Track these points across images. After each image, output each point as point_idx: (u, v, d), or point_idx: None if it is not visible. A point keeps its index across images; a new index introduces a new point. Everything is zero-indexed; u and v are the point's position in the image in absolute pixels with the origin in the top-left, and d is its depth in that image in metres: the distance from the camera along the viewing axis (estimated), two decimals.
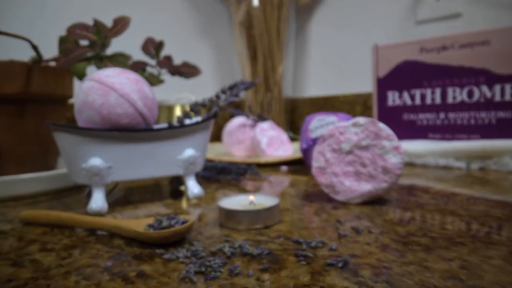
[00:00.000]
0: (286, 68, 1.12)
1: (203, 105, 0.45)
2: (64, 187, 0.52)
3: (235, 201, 0.35)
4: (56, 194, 0.50)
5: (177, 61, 0.72)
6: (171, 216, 0.30)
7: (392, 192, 0.44)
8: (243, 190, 0.48)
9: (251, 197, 0.34)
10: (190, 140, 0.44)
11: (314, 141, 0.54)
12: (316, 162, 0.40)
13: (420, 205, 0.37)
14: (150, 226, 0.29)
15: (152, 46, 0.69)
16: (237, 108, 1.17)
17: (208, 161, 0.73)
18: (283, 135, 0.74)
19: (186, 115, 0.46)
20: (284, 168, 0.64)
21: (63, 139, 0.39)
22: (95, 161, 0.38)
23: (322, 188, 0.40)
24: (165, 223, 0.28)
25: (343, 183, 0.39)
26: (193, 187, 0.43)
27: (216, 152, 0.84)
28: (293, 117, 1.19)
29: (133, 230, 0.29)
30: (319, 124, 0.55)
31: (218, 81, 1.21)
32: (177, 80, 1.06)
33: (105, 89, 0.39)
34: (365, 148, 0.38)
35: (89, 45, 0.50)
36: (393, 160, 0.37)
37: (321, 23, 1.13)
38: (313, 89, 1.16)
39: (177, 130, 0.42)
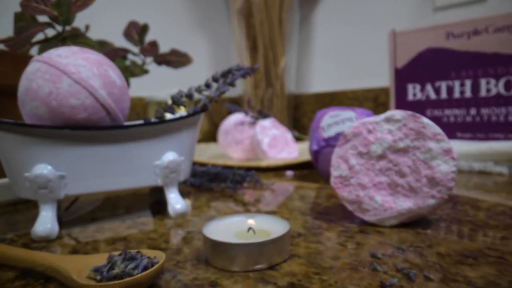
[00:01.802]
0: (289, 61, 1.02)
1: (189, 96, 0.36)
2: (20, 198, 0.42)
3: (227, 226, 0.25)
4: (9, 207, 0.40)
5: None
6: (131, 254, 0.20)
7: None
8: (240, 203, 0.38)
9: (250, 221, 0.25)
10: (172, 140, 0.34)
11: (328, 141, 0.45)
12: (337, 170, 0.30)
13: (480, 227, 0.28)
14: (97, 270, 0.19)
15: (135, 31, 0.59)
16: (235, 104, 1.07)
17: (199, 165, 0.63)
18: (287, 134, 0.64)
19: (167, 108, 0.36)
20: (289, 173, 0.54)
21: (1, 140, 0.29)
22: (42, 169, 0.29)
23: (344, 204, 0.30)
24: (118, 268, 0.19)
25: (373, 198, 0.29)
26: (175, 202, 0.33)
27: (209, 154, 0.74)
28: (296, 115, 1.09)
29: (71, 278, 0.19)
30: (333, 121, 0.45)
31: None
32: (169, 74, 0.96)
33: (55, 72, 0.29)
34: (404, 151, 0.28)
35: (49, 22, 0.40)
36: (443, 168, 0.27)
37: (327, 12, 1.03)
38: (318, 84, 1.06)
39: (154, 128, 0.32)
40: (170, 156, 0.33)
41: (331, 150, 0.44)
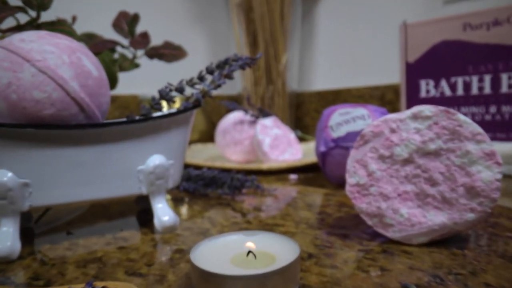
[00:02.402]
0: (290, 58, 0.98)
1: (179, 90, 0.31)
2: None
3: (221, 248, 0.20)
4: None
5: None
6: None
7: None
8: (239, 212, 0.33)
9: (249, 244, 0.20)
10: (159, 141, 0.29)
11: (337, 142, 0.40)
12: (353, 176, 0.26)
13: None
14: None
15: (125, 22, 0.54)
16: (233, 101, 1.02)
17: (194, 168, 0.58)
18: (290, 134, 0.59)
19: (154, 104, 0.31)
20: (293, 177, 0.49)
21: None
22: (1, 176, 0.24)
23: (363, 217, 0.25)
24: None
25: (397, 211, 0.24)
26: (162, 213, 0.29)
27: (206, 155, 0.69)
28: (298, 114, 1.04)
29: None
30: (343, 119, 0.41)
31: None
32: (165, 71, 0.92)
33: (15, 59, 0.24)
34: (435, 154, 0.23)
35: (21, 6, 0.35)
36: (486, 175, 0.22)
37: (331, 5, 0.98)
38: (321, 81, 1.02)
39: (138, 127, 0.28)
40: (156, 160, 0.28)
41: (341, 151, 0.40)
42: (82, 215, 0.35)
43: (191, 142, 0.78)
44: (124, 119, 0.28)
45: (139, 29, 0.56)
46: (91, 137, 0.26)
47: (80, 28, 0.56)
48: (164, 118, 0.29)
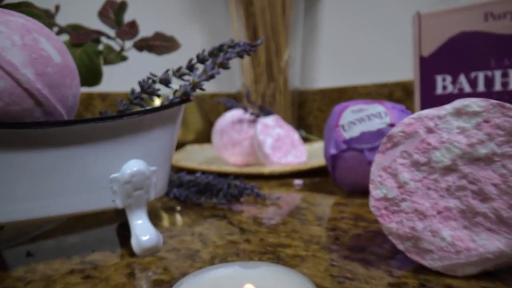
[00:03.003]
0: (293, 53, 0.92)
1: (164, 82, 0.26)
2: None
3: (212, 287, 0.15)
4: None
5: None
6: None
7: None
8: (237, 227, 0.28)
9: (248, 286, 0.14)
10: (138, 143, 0.24)
11: (350, 143, 0.34)
12: (379, 188, 0.20)
13: None
14: None
15: (112, 10, 0.49)
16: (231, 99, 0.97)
17: (187, 172, 0.53)
18: (293, 134, 0.54)
19: (134, 99, 0.26)
20: (297, 182, 0.44)
21: None
22: None
23: (392, 240, 0.20)
24: None
25: (438, 233, 0.19)
26: (141, 231, 0.23)
27: (202, 157, 0.64)
28: (300, 113, 0.99)
29: None
30: (356, 117, 0.35)
31: None
32: (160, 67, 0.87)
33: None
34: (486, 161, 0.18)
35: None
36: None
37: None
38: (325, 78, 0.96)
39: (111, 126, 0.22)
40: (134, 166, 0.23)
41: (354, 154, 0.34)
42: (54, 228, 0.30)
43: (187, 142, 0.73)
44: (95, 117, 0.23)
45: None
46: (50, 138, 0.21)
47: (65, 19, 0.51)
48: (144, 115, 0.24)
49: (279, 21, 0.87)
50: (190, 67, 0.27)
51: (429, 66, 0.55)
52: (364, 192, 0.37)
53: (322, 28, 0.96)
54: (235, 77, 1.03)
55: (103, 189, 0.23)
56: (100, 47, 0.47)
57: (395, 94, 0.82)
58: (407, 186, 0.20)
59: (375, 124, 0.34)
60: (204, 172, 0.52)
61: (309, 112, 0.97)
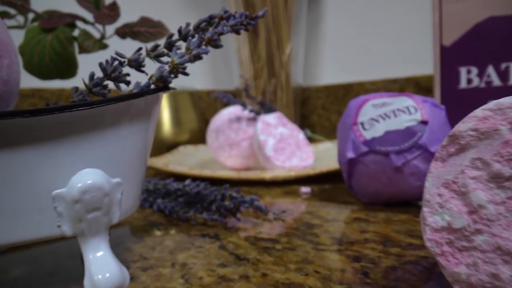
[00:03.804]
0: (295, 47, 0.86)
1: (134, 64, 0.19)
2: None
3: None
4: None
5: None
6: None
7: None
8: (232, 253, 0.22)
9: None
10: (93, 145, 0.17)
11: (372, 145, 0.28)
12: (439, 213, 0.14)
13: None
14: None
15: None
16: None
17: (175, 178, 0.47)
18: (298, 134, 0.47)
19: (93, 86, 0.19)
20: (305, 190, 0.37)
21: None
22: None
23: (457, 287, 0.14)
24: None
25: None
26: (97, 268, 0.17)
27: (196, 160, 0.57)
28: (303, 111, 0.93)
29: None
30: (379, 113, 0.29)
31: (207, 64, 0.95)
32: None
33: None
34: None
35: None
36: None
37: None
38: (329, 74, 0.90)
39: (55, 121, 0.16)
40: (86, 178, 0.17)
41: (377, 158, 0.28)
42: None
43: (180, 143, 0.66)
44: (28, 109, 0.16)
45: (123, 16, 0.44)
46: None
47: (43, 5, 0.45)
48: (104, 106, 0.17)
49: (280, 12, 0.81)
50: (169, 45, 0.20)
51: (451, 57, 0.49)
52: (386, 204, 0.31)
53: (327, 20, 0.89)
54: (233, 72, 0.96)
55: (43, 211, 0.16)
56: (76, 33, 0.40)
57: (406, 90, 0.76)
58: (483, 211, 0.13)
59: (402, 121, 0.28)
60: (195, 179, 0.45)
61: (312, 111, 0.91)
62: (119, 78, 0.19)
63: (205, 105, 0.91)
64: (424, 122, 0.27)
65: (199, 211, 0.30)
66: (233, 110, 0.49)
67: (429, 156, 0.27)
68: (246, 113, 0.48)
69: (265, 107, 0.48)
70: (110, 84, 0.20)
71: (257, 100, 0.48)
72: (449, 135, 0.14)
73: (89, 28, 0.40)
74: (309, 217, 0.29)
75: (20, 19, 0.45)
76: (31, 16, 0.43)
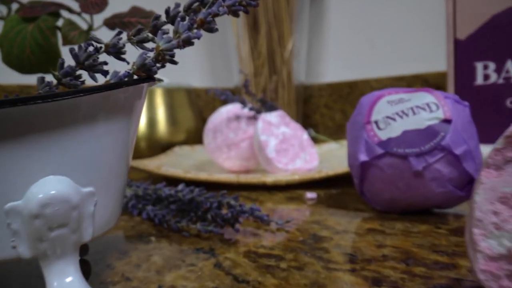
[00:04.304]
0: (297, 43, 0.83)
1: (113, 50, 0.16)
2: None
3: None
4: None
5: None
6: None
7: None
8: (230, 273, 0.19)
9: None
10: (59, 147, 0.14)
11: (387, 146, 0.25)
12: (495, 236, 0.11)
13: None
14: None
15: None
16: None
17: (168, 182, 0.44)
18: (302, 134, 0.44)
19: (63, 75, 0.16)
20: (310, 196, 0.34)
21: None
22: None
23: None
24: None
25: None
26: None
27: (191, 163, 0.54)
28: (305, 110, 0.90)
29: None
30: (395, 110, 0.26)
31: (205, 60, 0.92)
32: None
33: None
34: None
35: None
36: None
37: None
38: (333, 72, 0.87)
39: (10, 116, 0.13)
40: (49, 188, 0.13)
41: (394, 162, 0.25)
42: None
43: (176, 143, 0.63)
44: None
45: (112, 5, 0.41)
46: None
47: None
48: (73, 99, 0.14)
49: (282, 6, 0.78)
50: (155, 28, 0.17)
51: (466, 51, 0.46)
52: (403, 213, 0.28)
53: (330, 14, 0.86)
54: (233, 69, 0.93)
55: None
56: (60, 23, 0.37)
57: (413, 86, 0.73)
58: None
59: (423, 120, 0.25)
60: (190, 183, 0.42)
61: (315, 110, 0.88)
62: (95, 67, 0.16)
63: (203, 103, 0.87)
64: (447, 121, 0.24)
65: (192, 221, 0.27)
66: (232, 108, 0.46)
67: (453, 159, 0.24)
68: (246, 111, 0.45)
69: (266, 105, 0.45)
70: (85, 75, 0.16)
71: (257, 98, 0.44)
72: (505, 136, 0.11)
73: (74, 18, 0.37)
74: (316, 228, 0.25)
75: (3, 9, 0.42)
76: (15, 6, 0.40)
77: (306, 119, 0.89)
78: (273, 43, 0.79)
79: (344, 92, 0.83)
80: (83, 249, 0.19)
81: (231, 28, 0.83)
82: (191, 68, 0.88)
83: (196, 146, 0.61)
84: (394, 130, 0.25)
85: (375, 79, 0.78)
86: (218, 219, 0.25)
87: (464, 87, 0.46)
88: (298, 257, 0.21)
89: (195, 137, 0.67)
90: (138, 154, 0.62)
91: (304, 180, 0.37)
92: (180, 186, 0.30)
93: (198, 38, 0.16)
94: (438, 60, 0.68)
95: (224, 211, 0.29)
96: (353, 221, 0.26)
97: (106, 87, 0.15)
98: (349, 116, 0.82)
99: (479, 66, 0.45)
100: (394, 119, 0.25)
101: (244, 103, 0.44)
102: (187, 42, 0.16)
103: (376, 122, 0.26)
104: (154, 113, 0.62)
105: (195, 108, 0.69)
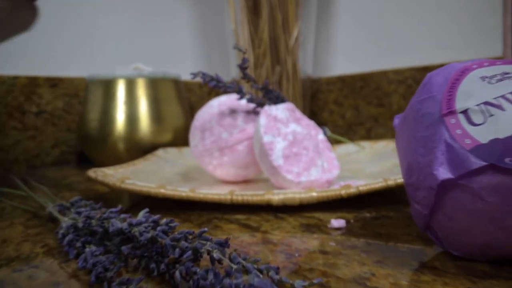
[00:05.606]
0: (304, 31, 0.72)
1: None
2: None
3: None
4: None
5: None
6: None
7: None
8: None
9: None
10: None
11: (489, 154, 0.14)
12: None
13: None
14: None
15: None
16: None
17: (131, 203, 0.33)
18: (317, 134, 0.33)
19: None
20: (336, 224, 0.23)
21: None
22: None
23: None
24: None
25: None
26: None
27: (175, 170, 0.44)
28: (312, 107, 0.79)
29: None
30: (500, 91, 0.15)
31: (202, 50, 0.81)
32: (134, 45, 0.67)
33: None
34: None
35: None
36: None
37: None
38: (343, 63, 0.76)
39: None
40: None
41: (507, 182, 0.14)
42: None
43: (160, 145, 0.52)
44: None
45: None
46: None
47: None
48: None
49: None
50: None
51: None
52: (494, 261, 0.17)
53: (340, 1, 0.75)
54: (230, 61, 0.82)
55: None
56: None
57: None
58: None
59: None
60: (165, 201, 0.31)
61: (322, 106, 0.77)
62: None
63: (196, 99, 0.77)
64: None
65: (151, 277, 0.16)
66: (226, 100, 0.35)
67: None
68: (244, 104, 0.34)
69: (271, 95, 0.34)
70: None
71: (259, 85, 0.34)
72: None
73: None
74: None
75: None
76: None
77: (312, 117, 0.78)
78: (277, 29, 0.68)
79: (356, 86, 0.72)
80: None
81: (229, 12, 0.72)
82: (182, 59, 0.77)
83: (184, 149, 0.50)
84: (502, 126, 0.14)
85: (393, 70, 0.67)
86: (192, 278, 0.15)
87: None
88: None
89: (184, 138, 0.56)
90: (115, 158, 0.51)
91: (324, 198, 0.26)
92: (141, 214, 0.19)
93: None
94: (471, 47, 0.57)
95: (202, 262, 0.18)
96: (419, 276, 0.16)
97: None
98: (362, 113, 0.71)
99: None
100: (500, 107, 0.15)
101: (241, 93, 0.33)
102: None
103: (465, 113, 0.15)
104: (134, 108, 0.51)
105: (185, 103, 0.58)
